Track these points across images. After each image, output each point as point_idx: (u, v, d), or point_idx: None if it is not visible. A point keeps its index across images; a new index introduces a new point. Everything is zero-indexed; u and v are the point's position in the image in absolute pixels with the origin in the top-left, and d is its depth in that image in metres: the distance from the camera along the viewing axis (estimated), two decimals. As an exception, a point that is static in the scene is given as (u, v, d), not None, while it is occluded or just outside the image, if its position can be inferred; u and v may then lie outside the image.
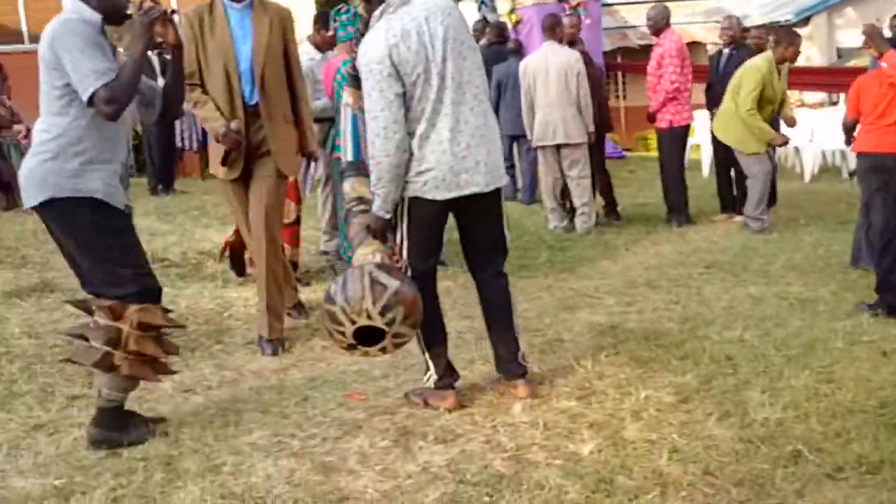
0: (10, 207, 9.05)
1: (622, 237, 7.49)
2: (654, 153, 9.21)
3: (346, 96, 3.95)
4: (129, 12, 3.31)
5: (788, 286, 5.56)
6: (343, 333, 3.32)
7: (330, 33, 5.99)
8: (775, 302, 5.18)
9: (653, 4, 8.39)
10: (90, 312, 3.32)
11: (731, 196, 8.25)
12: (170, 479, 3.09)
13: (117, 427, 3.37)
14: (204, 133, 10.40)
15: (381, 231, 3.56)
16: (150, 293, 3.33)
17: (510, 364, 3.80)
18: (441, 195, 3.50)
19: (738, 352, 4.20)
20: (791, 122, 7.73)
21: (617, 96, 18.71)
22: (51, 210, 3.25)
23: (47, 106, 3.22)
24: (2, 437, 3.53)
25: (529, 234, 7.64)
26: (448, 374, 3.75)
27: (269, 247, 4.50)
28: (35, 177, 3.22)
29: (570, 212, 7.91)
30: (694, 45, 16.65)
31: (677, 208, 8.09)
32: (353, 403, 3.79)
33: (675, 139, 8.11)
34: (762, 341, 4.35)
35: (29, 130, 8.56)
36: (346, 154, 3.91)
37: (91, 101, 3.12)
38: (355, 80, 3.80)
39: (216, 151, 4.55)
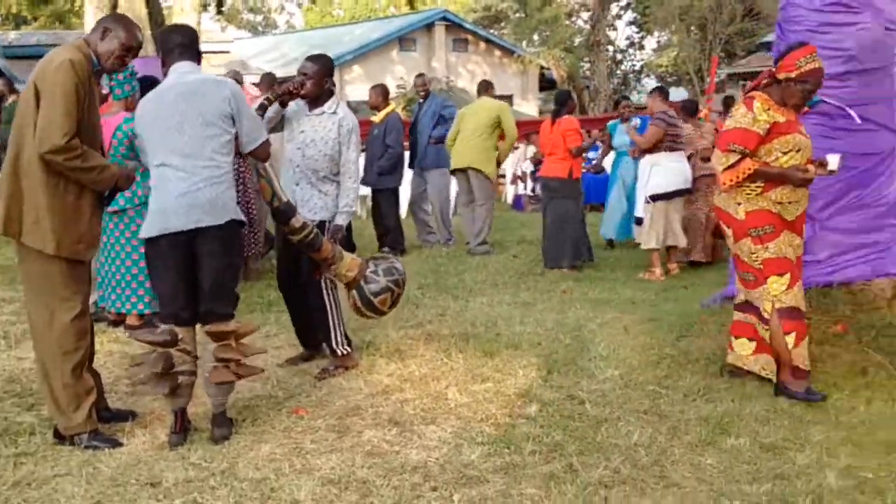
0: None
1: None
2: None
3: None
4: None
5: (512, 295, 7.21)
6: (400, 295, 4.82)
7: (105, 91, 6.01)
8: (506, 307, 6.71)
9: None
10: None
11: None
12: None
13: (229, 423, 4.14)
14: None
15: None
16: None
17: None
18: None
19: (525, 339, 5.67)
20: None
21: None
22: (223, 231, 3.95)
23: (215, 146, 3.96)
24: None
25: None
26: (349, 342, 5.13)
27: None
28: (220, 201, 3.94)
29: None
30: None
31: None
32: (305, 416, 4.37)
33: None
34: (538, 332, 5.85)
35: None
36: (285, 195, 4.55)
37: (255, 149, 4.12)
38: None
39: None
